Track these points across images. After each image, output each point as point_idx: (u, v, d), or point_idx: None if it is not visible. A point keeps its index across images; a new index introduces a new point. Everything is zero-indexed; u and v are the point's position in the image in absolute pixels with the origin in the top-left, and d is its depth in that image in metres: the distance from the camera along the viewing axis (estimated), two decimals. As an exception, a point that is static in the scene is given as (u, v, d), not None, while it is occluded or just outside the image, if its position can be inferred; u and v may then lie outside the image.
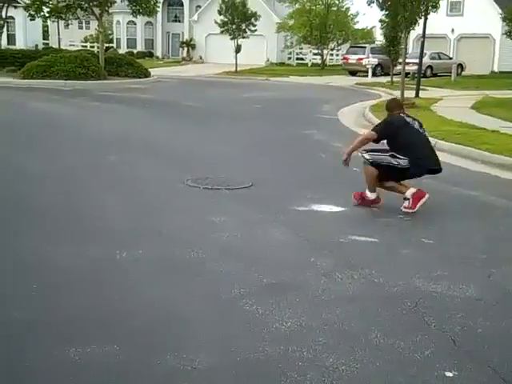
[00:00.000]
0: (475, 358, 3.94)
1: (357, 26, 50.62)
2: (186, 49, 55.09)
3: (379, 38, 37.60)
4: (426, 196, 7.35)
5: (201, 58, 53.42)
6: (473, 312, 4.61)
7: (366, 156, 7.50)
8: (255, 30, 39.86)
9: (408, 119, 7.64)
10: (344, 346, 4.03)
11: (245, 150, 11.71)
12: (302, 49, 50.79)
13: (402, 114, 7.68)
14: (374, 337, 4.16)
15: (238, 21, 39.09)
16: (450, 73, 35.92)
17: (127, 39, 58.10)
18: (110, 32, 57.19)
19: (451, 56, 42.48)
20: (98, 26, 30.21)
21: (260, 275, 5.18)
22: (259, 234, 6.39)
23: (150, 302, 4.64)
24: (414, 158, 7.38)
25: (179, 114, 17.91)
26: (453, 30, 43.60)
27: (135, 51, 54.99)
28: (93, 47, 49.05)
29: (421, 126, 7.68)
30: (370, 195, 7.55)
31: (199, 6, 55.02)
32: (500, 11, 37.03)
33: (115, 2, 31.17)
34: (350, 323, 4.35)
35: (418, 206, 7.27)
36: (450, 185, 9.05)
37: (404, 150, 7.41)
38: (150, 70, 32.53)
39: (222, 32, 40.22)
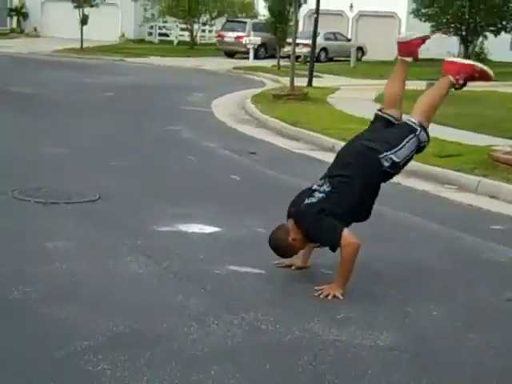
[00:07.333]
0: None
1: (235, -4, 51.28)
2: (15, 18, 53.94)
3: (263, 11, 38.09)
4: None
5: (35, 30, 52.49)
6: (386, 366, 4.58)
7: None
8: (107, -2, 39.54)
9: None
10: (222, 418, 3.87)
11: (91, 153, 11.53)
12: (166, 22, 50.83)
13: None
14: (262, 404, 4.03)
15: (84, -16, 38.60)
16: (349, 57, 37.12)
17: None
18: None
19: (350, 37, 43.91)
20: None
21: (109, 322, 4.97)
22: (109, 265, 6.20)
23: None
24: None
25: (6, 104, 17.27)
26: (351, 6, 45.18)
27: None
28: None
29: None
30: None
31: (33, -36, 53.93)
32: (406, -15, 38.74)
33: None
34: (229, 386, 4.21)
35: None
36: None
37: None
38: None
39: (63, -2, 39.60)
